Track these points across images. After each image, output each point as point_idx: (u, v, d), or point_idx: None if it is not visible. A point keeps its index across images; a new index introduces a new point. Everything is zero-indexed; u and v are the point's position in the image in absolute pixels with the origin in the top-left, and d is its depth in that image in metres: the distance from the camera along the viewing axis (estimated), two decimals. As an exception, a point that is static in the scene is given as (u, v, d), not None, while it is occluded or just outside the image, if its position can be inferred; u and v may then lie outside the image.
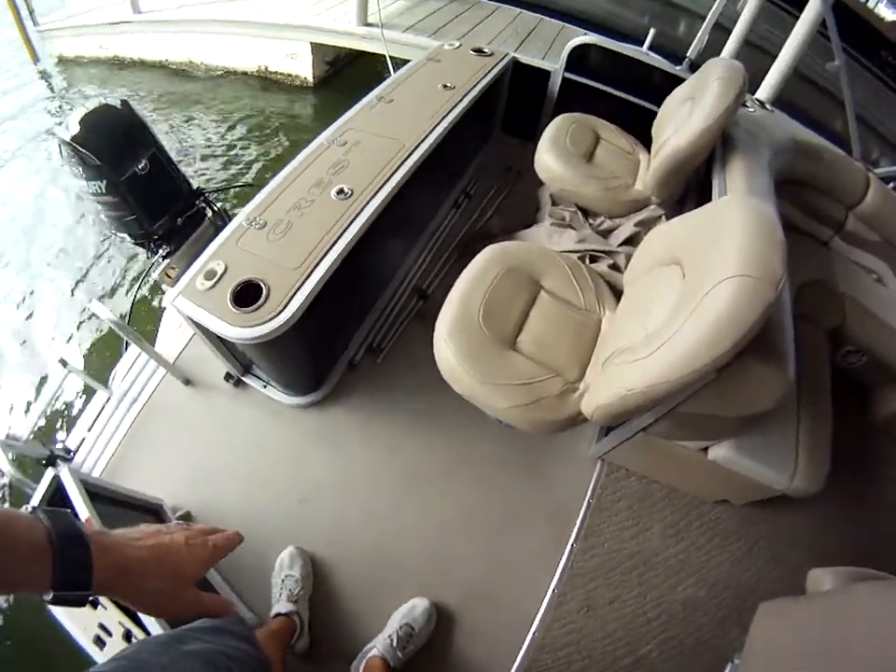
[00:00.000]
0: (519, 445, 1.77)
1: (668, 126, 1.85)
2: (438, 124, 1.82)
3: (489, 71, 2.18)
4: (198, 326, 1.39)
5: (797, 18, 3.19)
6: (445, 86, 2.02)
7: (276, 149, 4.51)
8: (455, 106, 1.92)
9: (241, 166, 4.34)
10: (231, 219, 2.11)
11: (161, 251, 1.99)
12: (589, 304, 1.58)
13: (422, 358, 1.60)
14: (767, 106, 2.21)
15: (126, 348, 2.01)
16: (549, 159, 2.03)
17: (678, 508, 1.76)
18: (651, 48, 2.75)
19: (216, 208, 2.10)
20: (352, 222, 1.46)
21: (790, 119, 2.27)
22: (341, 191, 1.54)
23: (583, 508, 1.71)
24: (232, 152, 4.46)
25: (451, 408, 1.57)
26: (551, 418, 1.33)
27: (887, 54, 5.08)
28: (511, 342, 1.46)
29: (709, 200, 1.63)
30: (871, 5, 5.68)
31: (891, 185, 2.18)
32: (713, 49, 3.06)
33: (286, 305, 1.29)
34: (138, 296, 3.09)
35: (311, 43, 4.70)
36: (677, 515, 1.75)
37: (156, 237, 1.97)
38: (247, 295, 1.31)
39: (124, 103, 1.85)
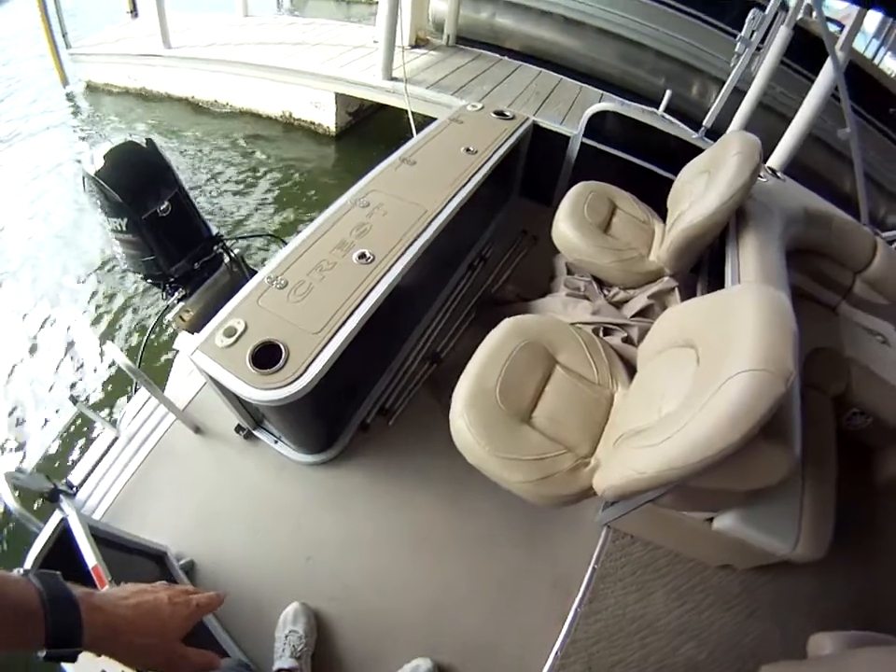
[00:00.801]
0: (526, 511, 1.74)
1: (684, 199, 1.88)
2: (459, 191, 1.86)
3: (510, 136, 2.23)
4: (214, 381, 1.39)
5: (810, 80, 3.27)
6: (468, 150, 2.06)
7: (294, 199, 4.52)
8: (476, 172, 1.96)
9: (252, 210, 4.33)
10: (247, 267, 2.16)
11: (176, 294, 2.01)
12: (602, 380, 1.59)
13: (433, 422, 1.61)
14: (779, 174, 2.25)
15: (136, 390, 2.00)
16: (566, 228, 2.05)
17: (681, 573, 1.74)
18: (666, 109, 2.80)
19: (233, 255, 2.12)
20: (372, 289, 1.48)
21: (800, 187, 2.30)
22: (363, 256, 1.56)
23: (588, 573, 1.70)
24: (250, 198, 4.47)
25: (460, 472, 1.56)
26: (561, 493, 1.34)
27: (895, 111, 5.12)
28: (527, 417, 1.46)
29: (722, 272, 1.66)
30: (875, 58, 5.77)
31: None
32: (727, 110, 3.11)
33: (305, 370, 1.30)
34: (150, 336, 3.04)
35: (335, 93, 4.77)
36: (680, 580, 1.73)
37: (172, 279, 1.99)
38: (266, 356, 1.31)
39: (149, 142, 1.87)
